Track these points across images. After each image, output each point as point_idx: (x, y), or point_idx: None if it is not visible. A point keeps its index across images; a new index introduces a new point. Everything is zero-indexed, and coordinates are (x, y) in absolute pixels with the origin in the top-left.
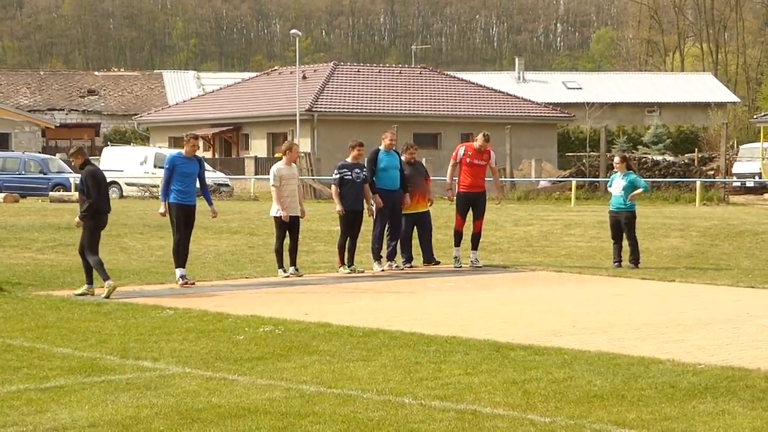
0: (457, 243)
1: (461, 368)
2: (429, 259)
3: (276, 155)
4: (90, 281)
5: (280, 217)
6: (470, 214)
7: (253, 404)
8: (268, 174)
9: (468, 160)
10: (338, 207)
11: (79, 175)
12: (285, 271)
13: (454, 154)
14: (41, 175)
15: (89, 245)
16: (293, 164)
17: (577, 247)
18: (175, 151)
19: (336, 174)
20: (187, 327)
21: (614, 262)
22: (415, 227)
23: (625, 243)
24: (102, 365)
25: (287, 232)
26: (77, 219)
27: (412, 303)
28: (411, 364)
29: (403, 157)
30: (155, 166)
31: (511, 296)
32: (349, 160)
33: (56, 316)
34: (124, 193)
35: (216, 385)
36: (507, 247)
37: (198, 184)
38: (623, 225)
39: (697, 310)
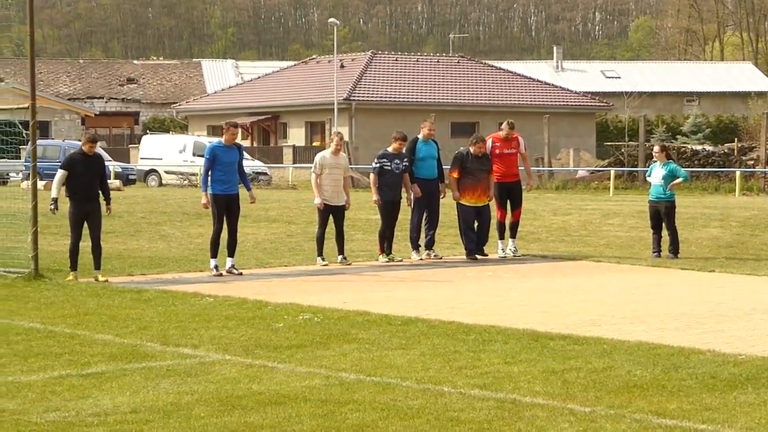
0: (501, 235)
1: (500, 357)
2: (470, 249)
3: (314, 144)
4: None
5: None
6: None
7: (292, 392)
8: (308, 162)
9: (497, 151)
10: (375, 197)
11: (117, 163)
12: (324, 260)
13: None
14: None
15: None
16: (341, 154)
17: (616, 236)
18: (214, 140)
19: (376, 163)
20: (227, 314)
21: (653, 252)
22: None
23: (665, 233)
24: (142, 352)
25: (331, 220)
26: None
27: (450, 292)
28: (450, 352)
29: (471, 149)
30: (194, 155)
31: (550, 286)
32: (389, 149)
33: (97, 302)
34: (164, 181)
35: (256, 372)
36: (546, 237)
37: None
38: (663, 215)
39: (737, 300)
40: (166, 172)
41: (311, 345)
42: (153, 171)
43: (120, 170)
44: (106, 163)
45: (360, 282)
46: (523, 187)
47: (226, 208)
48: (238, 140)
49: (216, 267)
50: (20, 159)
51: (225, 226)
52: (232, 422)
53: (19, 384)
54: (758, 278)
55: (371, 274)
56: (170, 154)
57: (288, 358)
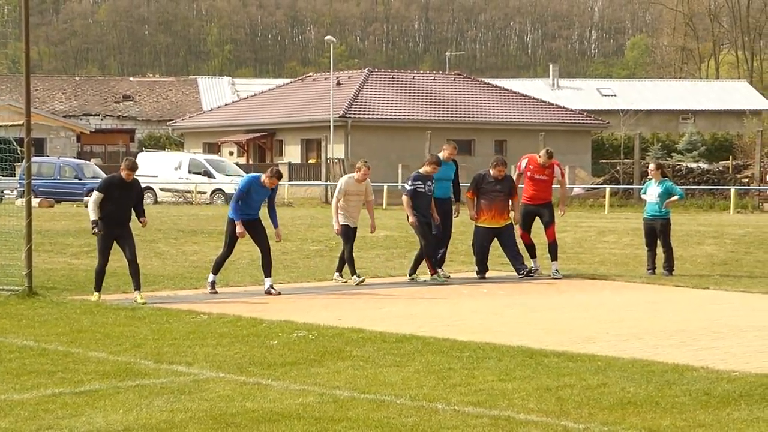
0: (532, 254)
1: (494, 374)
2: (518, 269)
3: (310, 161)
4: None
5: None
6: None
7: (286, 409)
8: (302, 180)
9: (529, 173)
10: (411, 218)
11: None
12: (359, 277)
13: (518, 163)
14: (76, 180)
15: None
16: (365, 181)
17: (611, 254)
18: (255, 174)
19: (410, 185)
20: (221, 332)
21: (648, 269)
22: (497, 240)
23: (660, 250)
24: (136, 369)
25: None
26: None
27: (445, 309)
28: (444, 370)
29: (491, 171)
30: (189, 172)
31: (545, 303)
32: (422, 171)
33: (91, 320)
34: (159, 199)
35: (250, 389)
36: (541, 254)
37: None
38: (658, 232)
39: (731, 317)
40: (162, 190)
41: (305, 362)
42: (148, 188)
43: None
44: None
45: (355, 299)
46: (557, 213)
47: (250, 230)
48: (234, 159)
49: (213, 283)
50: (15, 176)
51: (257, 246)
52: None
53: (12, 402)
54: (752, 295)
55: (366, 291)
56: (166, 171)
57: (282, 376)
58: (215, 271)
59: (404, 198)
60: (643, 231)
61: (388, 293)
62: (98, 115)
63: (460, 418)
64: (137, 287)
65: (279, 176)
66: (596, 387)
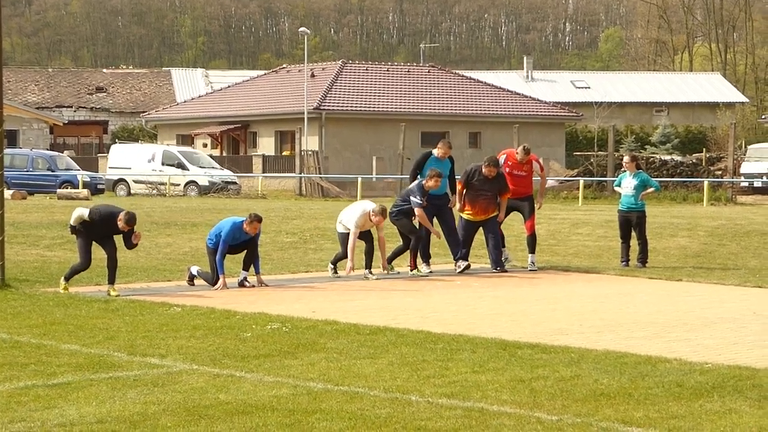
0: (531, 248)
1: (468, 366)
2: (494, 262)
3: (284, 153)
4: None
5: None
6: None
7: (260, 401)
8: (275, 172)
9: (507, 169)
10: (435, 230)
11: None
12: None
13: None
14: (49, 172)
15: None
16: (378, 227)
17: (584, 246)
18: (236, 220)
19: (419, 200)
20: (195, 324)
21: (622, 261)
22: (481, 228)
23: (634, 242)
24: (109, 362)
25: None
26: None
27: (419, 301)
28: (418, 361)
29: (483, 170)
30: (163, 164)
31: (519, 295)
32: (425, 185)
33: (64, 312)
34: (132, 191)
35: (223, 382)
36: (515, 246)
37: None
38: (634, 224)
39: (704, 309)
40: (135, 182)
41: (279, 354)
42: (122, 180)
43: (88, 180)
44: (74, 173)
45: (329, 291)
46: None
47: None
48: (208, 151)
49: (193, 277)
50: None
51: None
52: None
53: None
54: (725, 287)
55: (341, 284)
56: (139, 163)
57: (256, 368)
58: (201, 276)
59: (418, 211)
60: (618, 223)
61: (362, 286)
62: (71, 107)
63: (434, 409)
64: (111, 281)
65: (259, 220)
66: (569, 379)
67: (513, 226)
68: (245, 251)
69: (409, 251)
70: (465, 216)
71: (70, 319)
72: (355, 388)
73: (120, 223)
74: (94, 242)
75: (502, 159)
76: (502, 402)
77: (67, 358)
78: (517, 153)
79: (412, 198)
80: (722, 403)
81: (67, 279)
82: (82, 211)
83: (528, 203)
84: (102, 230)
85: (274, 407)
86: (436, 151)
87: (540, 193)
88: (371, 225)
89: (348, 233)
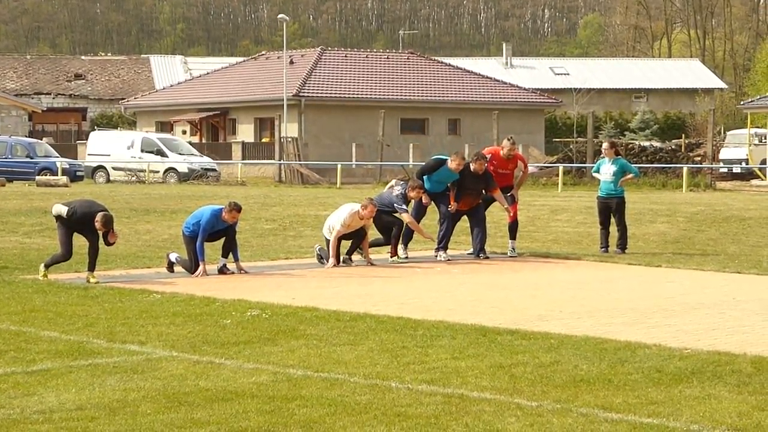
0: (512, 235)
1: (448, 352)
2: (477, 248)
3: (263, 140)
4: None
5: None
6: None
7: (240, 388)
8: (256, 159)
9: (491, 168)
10: (428, 235)
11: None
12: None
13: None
14: (28, 159)
15: None
16: (368, 222)
17: (564, 232)
18: (215, 209)
19: (405, 207)
20: (174, 311)
21: (601, 248)
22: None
23: (613, 228)
24: (89, 349)
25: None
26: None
27: (399, 287)
28: (398, 348)
29: (471, 166)
30: (142, 151)
31: (498, 281)
32: (408, 195)
33: (43, 299)
34: (111, 178)
35: (203, 368)
36: (494, 233)
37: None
38: (613, 211)
39: (683, 295)
40: (114, 169)
41: (259, 341)
42: (101, 167)
43: (67, 167)
44: (53, 160)
45: (309, 278)
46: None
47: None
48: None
49: (172, 264)
50: None
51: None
52: (178, 419)
53: None
54: (704, 273)
55: (321, 270)
56: (118, 150)
57: (235, 355)
58: (179, 263)
59: (407, 217)
60: (596, 209)
61: (342, 272)
62: (50, 94)
63: (414, 396)
64: (91, 268)
65: (239, 210)
66: (549, 365)
67: (493, 212)
68: (224, 238)
69: (393, 240)
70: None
71: (49, 306)
72: (335, 375)
73: (97, 224)
74: (75, 232)
75: (487, 158)
76: (482, 388)
77: (46, 345)
78: (502, 148)
79: (398, 206)
80: (701, 389)
81: (47, 266)
82: (60, 209)
83: (510, 194)
84: (80, 226)
85: (254, 394)
86: (450, 163)
87: (516, 185)
88: (359, 223)
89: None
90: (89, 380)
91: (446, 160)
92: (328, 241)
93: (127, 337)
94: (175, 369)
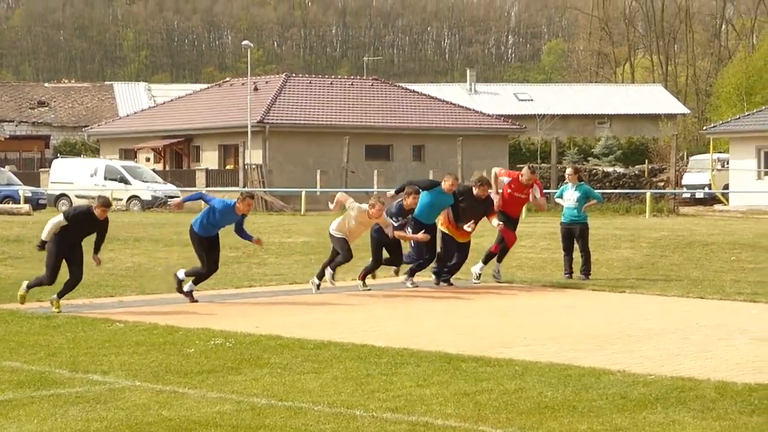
0: (486, 260)
1: (412, 380)
2: (438, 274)
3: (227, 167)
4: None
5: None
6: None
7: (203, 417)
8: (219, 186)
9: (509, 190)
10: (424, 237)
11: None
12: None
13: (496, 179)
14: None
15: None
16: (378, 220)
17: (527, 258)
18: (231, 202)
19: (394, 220)
20: (137, 340)
21: (565, 274)
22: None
23: (576, 254)
24: (51, 379)
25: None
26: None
27: (363, 315)
28: (362, 376)
29: (475, 192)
30: (105, 178)
31: (462, 308)
32: (403, 204)
33: (4, 329)
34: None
35: (166, 398)
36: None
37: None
38: (577, 237)
39: (647, 320)
40: (77, 197)
41: (222, 370)
42: (64, 195)
43: (30, 195)
44: (16, 188)
45: (273, 306)
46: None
47: (206, 244)
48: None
49: (180, 282)
50: None
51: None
52: None
53: None
54: (668, 298)
55: (284, 298)
56: (81, 178)
57: (199, 384)
58: (193, 281)
59: (391, 230)
60: (560, 235)
61: (306, 300)
62: (12, 122)
63: (379, 424)
64: (60, 296)
65: (252, 196)
66: (514, 392)
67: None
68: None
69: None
70: (446, 231)
71: (11, 336)
72: (299, 404)
73: (97, 211)
74: (63, 260)
75: (506, 180)
76: (447, 416)
77: (8, 375)
78: (522, 175)
79: (388, 217)
80: (665, 415)
81: (29, 288)
82: (56, 220)
83: (513, 225)
84: (79, 229)
85: (217, 423)
86: (443, 184)
87: (539, 206)
88: (369, 222)
89: (344, 238)
90: (51, 411)
91: (439, 182)
92: (337, 239)
93: (90, 366)
94: (138, 399)
